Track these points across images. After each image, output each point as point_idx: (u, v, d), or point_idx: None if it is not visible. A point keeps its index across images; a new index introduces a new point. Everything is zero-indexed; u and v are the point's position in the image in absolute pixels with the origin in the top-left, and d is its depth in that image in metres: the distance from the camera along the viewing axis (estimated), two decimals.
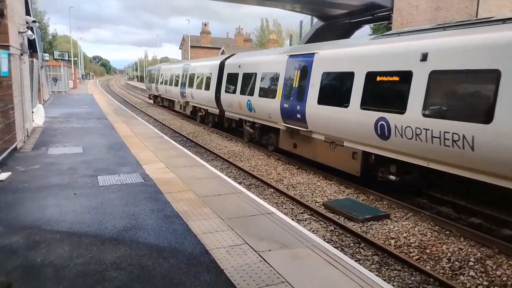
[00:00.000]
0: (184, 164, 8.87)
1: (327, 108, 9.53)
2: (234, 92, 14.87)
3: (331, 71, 9.66)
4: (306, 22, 26.90)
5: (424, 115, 6.96)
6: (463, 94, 6.73)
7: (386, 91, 8.04)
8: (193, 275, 3.95)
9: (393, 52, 7.83)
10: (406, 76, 7.40)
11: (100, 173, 7.76)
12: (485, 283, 5.20)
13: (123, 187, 6.86)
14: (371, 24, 28.39)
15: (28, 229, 4.93)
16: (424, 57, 7.07)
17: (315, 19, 24.45)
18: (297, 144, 11.29)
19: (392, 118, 7.58)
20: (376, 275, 4.96)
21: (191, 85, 20.57)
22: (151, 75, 32.84)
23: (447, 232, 6.73)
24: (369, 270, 4.97)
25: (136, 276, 3.89)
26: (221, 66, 16.73)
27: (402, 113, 7.36)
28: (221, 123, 17.34)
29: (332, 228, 7.02)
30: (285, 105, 11.33)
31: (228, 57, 16.83)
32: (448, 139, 6.55)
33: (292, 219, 6.80)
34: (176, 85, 23.64)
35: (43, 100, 22.75)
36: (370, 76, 8.27)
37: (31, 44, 16.42)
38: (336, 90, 9.52)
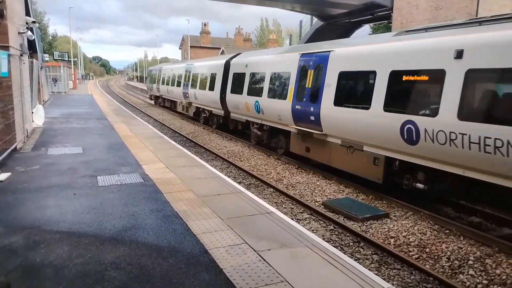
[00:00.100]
0: (183, 164, 8.88)
1: (345, 110, 8.92)
2: (240, 92, 14.29)
3: (349, 70, 9.02)
4: (306, 22, 26.93)
5: (460, 119, 6.29)
6: (508, 95, 6.04)
7: (414, 92, 7.40)
8: (192, 274, 3.95)
9: (422, 49, 7.15)
10: (437, 76, 6.76)
11: (99, 173, 7.77)
12: (485, 281, 5.20)
13: (122, 187, 6.86)
14: (371, 24, 28.42)
15: (28, 229, 4.94)
16: (459, 55, 6.40)
17: (315, 19, 24.46)
18: (310, 148, 10.68)
19: (422, 121, 6.92)
20: (376, 274, 4.98)
21: (194, 85, 20.05)
22: (152, 75, 32.33)
23: (447, 231, 6.73)
24: (369, 269, 4.98)
25: (136, 275, 3.89)
26: (226, 66, 16.23)
27: (434, 116, 6.72)
28: (226, 125, 16.83)
29: (332, 228, 7.02)
30: (297, 107, 10.72)
31: (234, 56, 16.33)
32: (489, 145, 5.88)
33: (292, 219, 6.80)
34: (179, 85, 23.13)
35: (43, 101, 22.76)
36: (395, 76, 7.65)
37: (31, 44, 16.43)
38: (355, 90, 9.05)
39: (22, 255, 4.26)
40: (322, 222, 7.30)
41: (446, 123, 6.53)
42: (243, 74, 14.33)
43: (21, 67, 10.68)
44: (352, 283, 3.90)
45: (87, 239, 4.71)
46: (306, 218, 7.50)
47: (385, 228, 6.90)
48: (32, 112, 13.69)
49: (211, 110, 18.19)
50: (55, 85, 35.83)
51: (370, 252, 6.09)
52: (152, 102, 34.29)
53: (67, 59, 38.90)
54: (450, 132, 6.45)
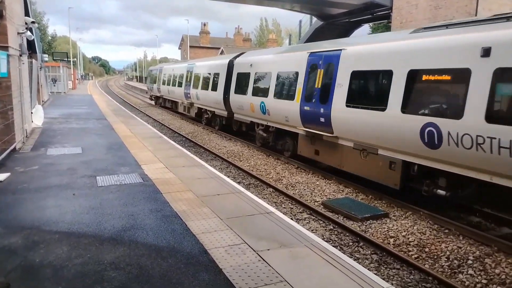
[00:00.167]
0: (183, 164, 8.88)
1: (358, 112, 8.46)
2: (245, 93, 13.89)
3: (362, 70, 8.58)
4: (305, 21, 26.98)
5: (488, 121, 5.88)
6: None
7: (436, 93, 6.99)
8: (191, 274, 3.95)
9: (444, 47, 6.70)
10: (461, 75, 6.35)
11: (99, 173, 7.77)
12: (484, 281, 5.21)
13: (122, 187, 6.86)
14: (370, 24, 28.45)
15: (27, 229, 4.94)
16: (486, 52, 5.98)
17: (314, 19, 24.51)
18: (319, 151, 10.24)
19: (444, 124, 6.49)
20: (375, 273, 4.98)
21: (196, 85, 19.64)
22: (153, 75, 31.90)
23: (446, 231, 6.74)
24: (368, 269, 4.99)
25: (135, 276, 3.89)
26: (230, 65, 15.88)
27: (458, 118, 6.28)
28: (229, 126, 16.51)
29: (331, 227, 7.03)
30: (306, 108, 10.26)
31: (238, 56, 15.93)
32: None
33: (291, 219, 6.80)
34: (180, 85, 22.71)
35: (42, 101, 22.75)
36: (414, 75, 7.22)
37: (30, 45, 16.44)
38: (369, 91, 8.63)
39: (21, 255, 4.26)
40: (321, 222, 7.30)
41: (472, 126, 6.09)
42: (248, 74, 13.93)
43: (20, 67, 10.68)
44: (352, 283, 3.90)
45: (86, 239, 4.71)
46: (306, 218, 7.50)
47: (384, 228, 6.90)
48: (32, 113, 13.70)
49: (214, 111, 17.83)
50: (54, 85, 35.84)
51: (369, 251, 6.09)
52: (153, 102, 33.87)
53: (66, 59, 38.84)
54: (477, 136, 6.02)
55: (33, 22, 12.62)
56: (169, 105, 27.51)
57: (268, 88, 12.26)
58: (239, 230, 5.11)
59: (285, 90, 11.51)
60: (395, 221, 7.22)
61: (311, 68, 10.35)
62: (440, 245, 6.17)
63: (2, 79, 8.87)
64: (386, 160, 8.01)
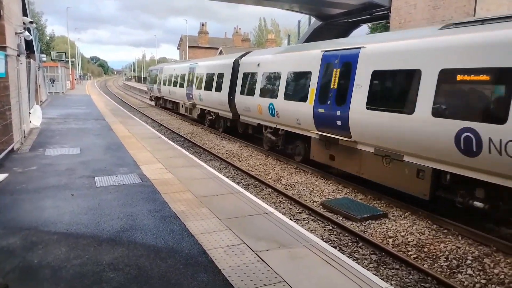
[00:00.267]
0: (182, 164, 8.86)
1: (380, 115, 7.82)
2: (252, 94, 13.23)
3: (385, 69, 7.96)
4: (304, 21, 26.98)
5: None
6: None
7: (473, 95, 6.37)
8: (190, 275, 3.94)
9: (483, 45, 6.09)
10: (504, 75, 5.81)
11: (97, 174, 7.75)
12: (483, 281, 5.22)
13: (120, 188, 6.85)
14: (369, 24, 28.49)
15: (26, 230, 4.92)
16: None
17: (313, 19, 24.50)
18: (335, 156, 9.59)
19: (485, 129, 5.89)
20: (374, 274, 4.97)
21: (199, 86, 19.00)
22: (153, 75, 31.25)
23: (445, 231, 6.75)
24: (367, 269, 4.99)
25: (134, 276, 3.88)
26: (235, 65, 15.27)
27: (501, 123, 5.69)
28: (234, 128, 15.98)
29: (330, 228, 7.02)
30: (320, 110, 9.64)
31: (244, 55, 15.34)
32: None
33: (290, 219, 6.79)
34: (182, 86, 22.04)
35: (41, 101, 22.71)
36: (446, 75, 6.60)
37: (28, 45, 16.39)
38: (393, 92, 8.03)
39: (20, 256, 4.24)
40: (320, 222, 7.30)
41: None
42: (255, 74, 13.31)
43: (19, 67, 10.65)
44: (351, 283, 3.90)
45: (85, 240, 4.69)
46: (305, 218, 7.50)
47: (383, 228, 6.90)
48: (30, 113, 13.66)
49: (218, 113, 17.17)
50: (52, 86, 35.72)
51: (368, 252, 6.09)
52: (153, 103, 33.20)
53: (64, 59, 38.77)
54: None
55: (31, 22, 12.58)
56: (170, 106, 26.84)
57: (278, 89, 11.63)
58: (238, 230, 5.11)
59: (296, 91, 10.89)
60: (394, 221, 7.22)
61: (326, 67, 9.73)
62: (439, 245, 6.18)
63: (0, 80, 8.84)
64: (413, 168, 7.37)
